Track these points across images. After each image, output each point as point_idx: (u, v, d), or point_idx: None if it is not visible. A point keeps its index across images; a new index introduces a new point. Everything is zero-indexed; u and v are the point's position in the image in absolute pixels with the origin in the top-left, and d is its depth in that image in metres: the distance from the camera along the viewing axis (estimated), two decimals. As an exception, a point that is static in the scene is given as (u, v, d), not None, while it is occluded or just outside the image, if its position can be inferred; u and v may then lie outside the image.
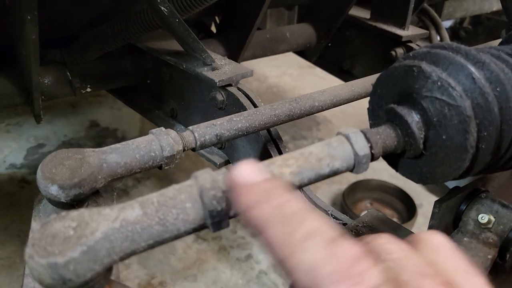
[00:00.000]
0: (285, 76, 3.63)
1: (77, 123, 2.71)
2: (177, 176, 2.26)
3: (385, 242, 0.37)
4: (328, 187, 2.34)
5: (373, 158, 0.54)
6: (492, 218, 0.69)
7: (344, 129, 0.54)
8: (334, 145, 0.52)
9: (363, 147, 0.52)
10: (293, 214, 0.35)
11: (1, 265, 1.78)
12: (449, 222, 0.71)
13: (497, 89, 0.53)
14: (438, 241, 0.39)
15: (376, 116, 0.64)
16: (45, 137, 2.55)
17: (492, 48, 0.62)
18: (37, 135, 2.56)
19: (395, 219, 2.18)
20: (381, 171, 2.36)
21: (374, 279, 0.30)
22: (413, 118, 0.56)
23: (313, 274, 0.31)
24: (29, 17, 0.84)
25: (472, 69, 0.53)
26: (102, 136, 2.62)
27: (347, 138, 0.53)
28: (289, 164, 0.49)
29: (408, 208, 2.22)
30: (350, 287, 0.30)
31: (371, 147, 0.53)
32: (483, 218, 0.69)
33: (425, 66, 0.54)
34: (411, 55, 0.59)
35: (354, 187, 2.28)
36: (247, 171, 0.40)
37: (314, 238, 0.33)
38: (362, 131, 0.54)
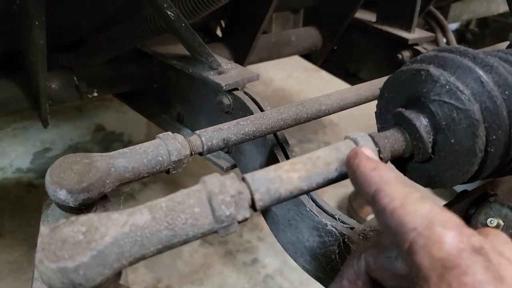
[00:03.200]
0: (291, 79, 3.63)
1: (83, 127, 2.72)
2: (184, 180, 2.26)
3: None
4: (335, 191, 2.34)
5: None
6: (501, 222, 0.68)
7: (352, 133, 0.54)
8: (342, 149, 0.52)
9: (371, 151, 0.52)
10: (409, 184, 0.43)
11: (8, 269, 1.79)
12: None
13: (506, 92, 0.53)
14: (505, 236, 0.44)
15: (384, 120, 0.63)
16: (51, 141, 2.57)
17: (500, 51, 0.62)
18: (43, 139, 2.57)
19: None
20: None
21: (479, 242, 0.37)
22: (422, 122, 0.56)
23: (429, 218, 0.38)
24: (37, 23, 0.84)
25: (480, 72, 0.53)
26: (109, 140, 2.63)
27: (355, 142, 0.53)
28: (297, 168, 0.49)
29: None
30: (461, 235, 0.36)
31: (379, 151, 0.53)
32: (492, 222, 0.69)
33: (433, 69, 0.54)
34: (418, 58, 0.59)
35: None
36: (371, 152, 0.50)
37: (427, 201, 0.40)
38: (370, 135, 0.54)
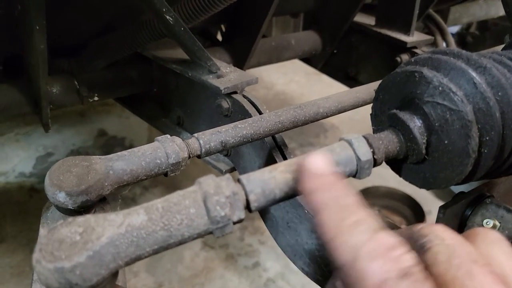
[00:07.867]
0: (292, 83, 3.64)
1: (86, 132, 2.73)
2: (185, 184, 2.26)
3: (441, 230, 0.41)
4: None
5: (375, 163, 0.54)
6: (497, 223, 0.69)
7: (347, 135, 0.54)
8: (336, 151, 0.52)
9: (365, 153, 0.53)
10: (347, 205, 0.41)
11: (10, 273, 1.80)
12: (454, 228, 0.71)
13: (499, 93, 0.54)
14: (495, 236, 0.43)
15: (379, 121, 0.64)
16: (54, 146, 2.58)
17: (494, 53, 0.63)
18: (46, 144, 2.58)
19: (403, 226, 2.16)
20: (389, 178, 2.35)
21: (408, 262, 0.36)
22: (415, 123, 0.56)
23: (355, 251, 0.37)
24: (37, 27, 0.85)
25: (473, 74, 0.53)
26: (110, 145, 2.64)
27: (350, 143, 0.53)
28: (292, 170, 0.50)
29: (417, 215, 2.21)
30: (386, 263, 0.35)
31: (373, 152, 0.54)
32: (488, 223, 0.69)
33: (427, 71, 0.55)
34: (412, 60, 0.60)
35: (362, 194, 2.26)
36: (318, 161, 0.46)
37: (361, 225, 0.39)
38: (365, 137, 0.54)
